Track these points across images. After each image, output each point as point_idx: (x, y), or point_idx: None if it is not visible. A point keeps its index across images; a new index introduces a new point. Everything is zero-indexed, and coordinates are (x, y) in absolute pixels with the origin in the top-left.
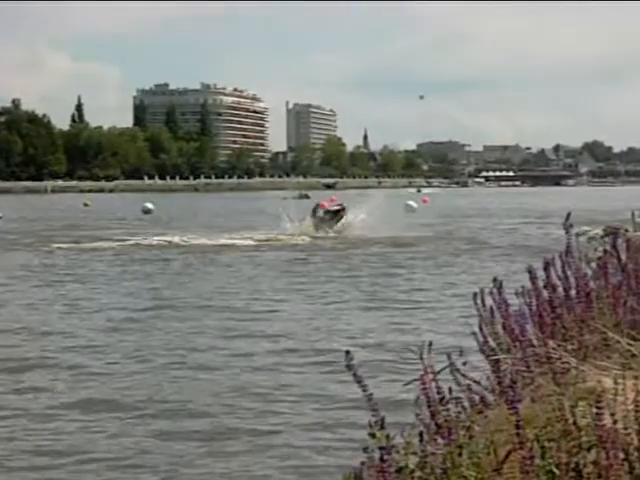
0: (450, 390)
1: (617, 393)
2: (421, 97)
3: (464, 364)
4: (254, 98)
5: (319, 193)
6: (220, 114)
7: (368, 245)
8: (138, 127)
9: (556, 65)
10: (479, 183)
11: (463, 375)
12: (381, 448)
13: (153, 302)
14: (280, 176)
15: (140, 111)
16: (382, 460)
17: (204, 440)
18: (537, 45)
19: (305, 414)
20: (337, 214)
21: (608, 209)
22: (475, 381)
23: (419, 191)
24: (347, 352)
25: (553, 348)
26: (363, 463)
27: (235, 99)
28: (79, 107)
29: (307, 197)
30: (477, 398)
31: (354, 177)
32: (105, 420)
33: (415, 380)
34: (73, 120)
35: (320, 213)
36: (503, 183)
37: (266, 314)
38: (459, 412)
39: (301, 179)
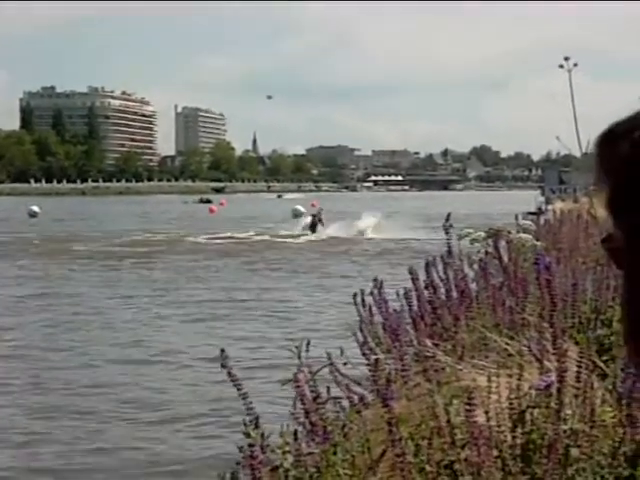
0: (328, 390)
1: (491, 391)
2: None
3: (345, 364)
4: (142, 101)
5: (209, 197)
6: (108, 117)
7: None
8: (25, 130)
9: (443, 70)
10: (368, 187)
11: (342, 375)
12: (251, 446)
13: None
14: (169, 180)
15: (27, 114)
16: (253, 458)
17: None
18: (424, 50)
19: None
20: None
21: (494, 212)
22: (354, 381)
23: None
24: (222, 350)
25: (430, 347)
26: (238, 463)
27: (123, 102)
28: None
29: (209, 202)
30: (356, 398)
31: (243, 181)
32: None
33: (291, 380)
34: None
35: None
36: (392, 187)
37: None
38: (337, 411)
39: (190, 183)
